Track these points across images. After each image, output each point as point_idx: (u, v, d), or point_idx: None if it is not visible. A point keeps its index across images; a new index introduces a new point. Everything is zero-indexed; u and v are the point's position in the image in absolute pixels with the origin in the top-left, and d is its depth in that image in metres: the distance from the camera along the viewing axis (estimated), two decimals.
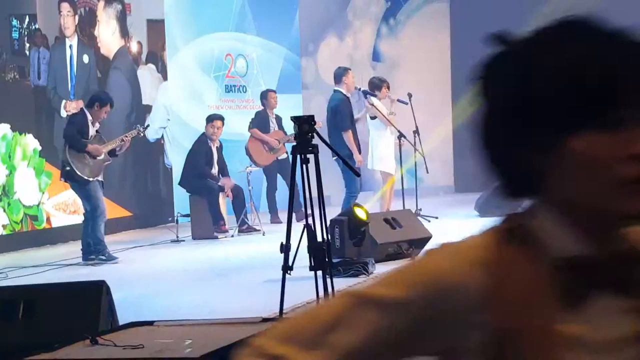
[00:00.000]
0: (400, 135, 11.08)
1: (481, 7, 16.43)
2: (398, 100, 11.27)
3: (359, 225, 7.67)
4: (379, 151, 11.05)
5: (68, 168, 9.32)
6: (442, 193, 16.40)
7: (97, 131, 9.59)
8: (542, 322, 1.20)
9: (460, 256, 1.24)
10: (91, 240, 9.45)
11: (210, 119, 11.74)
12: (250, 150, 12.55)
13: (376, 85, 11.18)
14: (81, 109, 9.66)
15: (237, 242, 10.93)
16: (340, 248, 7.57)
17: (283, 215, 12.35)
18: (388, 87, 11.31)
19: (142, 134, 10.51)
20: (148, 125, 11.10)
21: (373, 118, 11.11)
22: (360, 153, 10.79)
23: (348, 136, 10.52)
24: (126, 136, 9.91)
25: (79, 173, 9.31)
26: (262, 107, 12.93)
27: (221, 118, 11.84)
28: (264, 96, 12.85)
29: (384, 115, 10.97)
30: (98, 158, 9.47)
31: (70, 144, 9.38)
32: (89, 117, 9.48)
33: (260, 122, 12.67)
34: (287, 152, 12.58)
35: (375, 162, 11.09)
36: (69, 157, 9.31)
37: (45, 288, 5.04)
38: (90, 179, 9.38)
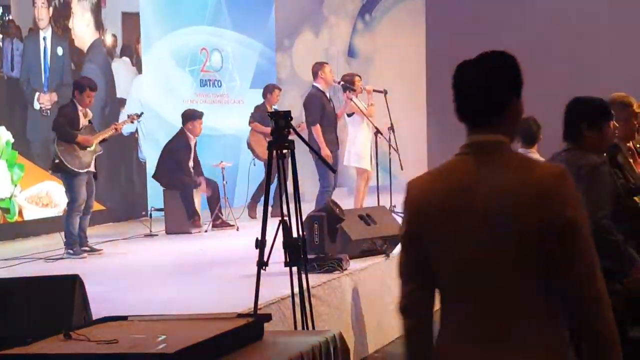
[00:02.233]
0: (377, 132, 11.09)
1: (457, 5, 16.48)
2: (374, 91, 11.26)
3: (334, 222, 7.66)
4: (356, 147, 11.05)
5: (57, 161, 9.24)
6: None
7: (89, 121, 9.54)
8: None
9: None
10: (64, 232, 9.40)
11: (195, 116, 11.63)
12: (252, 144, 12.51)
13: (349, 82, 11.17)
14: (70, 100, 9.56)
15: (211, 237, 10.90)
16: (319, 244, 7.54)
17: (259, 210, 12.38)
18: (360, 78, 11.32)
19: (137, 121, 10.40)
20: (142, 113, 10.92)
21: (350, 115, 11.10)
22: (338, 149, 10.86)
23: (315, 130, 10.55)
24: (117, 124, 9.86)
25: (68, 166, 9.24)
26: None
27: (202, 115, 11.81)
28: (269, 91, 12.76)
29: (361, 111, 10.97)
30: (88, 149, 9.41)
31: (59, 135, 9.31)
32: (79, 108, 9.42)
33: (260, 115, 12.61)
34: None
35: (352, 159, 11.08)
36: (58, 150, 9.23)
37: (18, 282, 5.01)
38: (80, 171, 9.33)
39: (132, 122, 10.25)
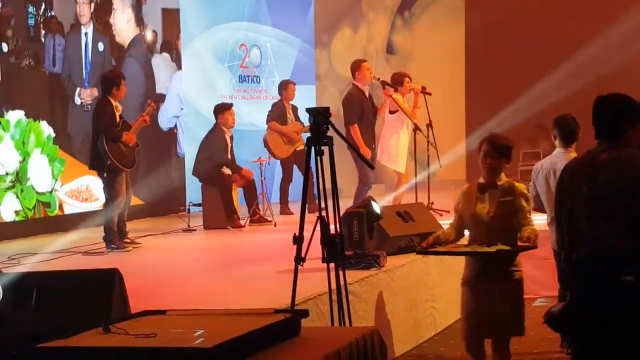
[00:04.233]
0: (416, 129, 11.05)
1: (496, 2, 16.39)
2: (421, 92, 11.22)
3: (372, 219, 7.65)
4: (389, 147, 10.99)
5: (109, 162, 9.27)
6: (453, 187, 16.37)
7: (120, 116, 9.56)
8: None
9: None
10: (104, 228, 9.46)
11: (225, 107, 11.66)
12: (269, 143, 12.52)
13: (398, 81, 11.14)
14: (103, 97, 9.55)
15: (248, 232, 10.93)
16: (359, 240, 7.53)
17: (293, 206, 12.40)
18: (410, 80, 11.28)
19: (155, 108, 10.41)
20: (156, 100, 10.88)
21: (393, 112, 11.05)
22: (375, 146, 10.82)
23: (353, 130, 10.53)
24: (143, 115, 9.87)
25: (119, 165, 9.30)
26: (278, 98, 12.91)
27: (232, 106, 11.84)
28: (283, 87, 12.79)
29: (405, 111, 10.92)
30: (130, 145, 9.47)
31: (107, 135, 9.33)
32: (113, 104, 9.45)
33: (277, 114, 12.63)
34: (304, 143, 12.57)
35: (384, 158, 11.04)
36: (109, 150, 9.26)
37: (58, 275, 5.05)
38: (129, 169, 9.42)
39: (153, 109, 10.22)
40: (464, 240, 6.10)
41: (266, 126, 12.71)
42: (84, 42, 12.09)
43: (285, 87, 12.78)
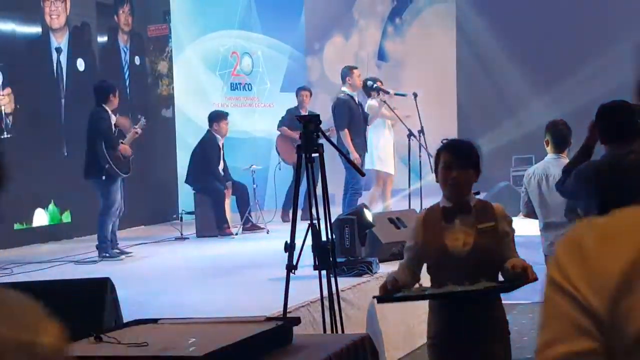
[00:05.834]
0: (410, 134, 11.07)
1: (487, 8, 16.42)
2: (396, 94, 11.27)
3: (364, 226, 7.66)
4: (378, 151, 11.07)
5: (107, 165, 9.29)
6: None
7: (115, 125, 9.60)
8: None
9: None
10: (98, 236, 9.45)
11: (221, 116, 11.68)
12: (279, 148, 12.58)
13: (371, 88, 11.17)
14: (99, 106, 9.54)
15: (241, 240, 10.93)
16: (350, 247, 7.54)
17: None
18: (381, 83, 11.33)
19: (144, 124, 10.44)
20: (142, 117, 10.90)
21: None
22: (366, 152, 10.87)
23: (344, 135, 10.60)
24: (135, 127, 9.91)
25: (117, 170, 9.33)
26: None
27: (227, 115, 11.86)
28: (297, 93, 12.84)
29: (397, 116, 10.96)
30: (127, 156, 9.51)
31: (106, 140, 9.37)
32: (109, 112, 9.48)
33: (290, 119, 12.65)
34: None
35: (375, 162, 11.09)
36: (108, 155, 9.30)
37: (49, 284, 5.04)
38: (126, 175, 9.46)
39: (144, 125, 10.25)
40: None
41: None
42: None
43: (298, 93, 12.82)
